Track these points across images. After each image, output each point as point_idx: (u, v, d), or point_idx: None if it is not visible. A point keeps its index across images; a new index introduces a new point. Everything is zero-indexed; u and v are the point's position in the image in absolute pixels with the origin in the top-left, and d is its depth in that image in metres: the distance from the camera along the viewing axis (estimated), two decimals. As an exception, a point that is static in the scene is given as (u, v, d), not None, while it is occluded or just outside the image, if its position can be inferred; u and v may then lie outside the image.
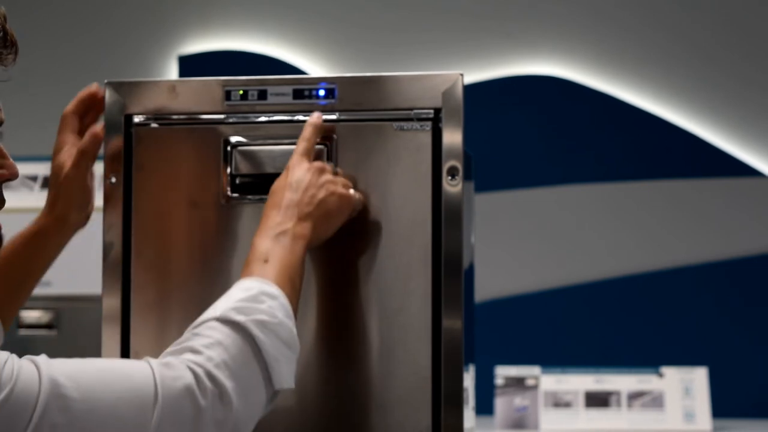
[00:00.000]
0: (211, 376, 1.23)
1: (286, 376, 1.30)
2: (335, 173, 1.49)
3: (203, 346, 1.25)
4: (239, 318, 1.28)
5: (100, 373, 1.18)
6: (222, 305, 1.31)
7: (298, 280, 1.38)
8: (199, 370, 1.23)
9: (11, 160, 1.29)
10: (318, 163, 1.47)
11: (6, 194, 1.30)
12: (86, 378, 1.16)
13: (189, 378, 1.22)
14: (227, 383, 1.24)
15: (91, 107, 1.59)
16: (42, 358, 1.17)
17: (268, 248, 1.38)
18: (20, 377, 1.12)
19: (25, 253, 1.56)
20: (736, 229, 3.77)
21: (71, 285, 2.93)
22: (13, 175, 1.28)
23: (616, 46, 3.89)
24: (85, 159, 1.55)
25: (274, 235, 1.39)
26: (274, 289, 1.33)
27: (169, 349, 1.28)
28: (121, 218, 1.56)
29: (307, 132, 1.49)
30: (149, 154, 1.57)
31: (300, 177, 1.44)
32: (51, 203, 1.57)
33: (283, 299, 1.33)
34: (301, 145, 1.48)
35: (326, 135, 1.51)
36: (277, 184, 1.45)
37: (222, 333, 1.27)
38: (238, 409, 1.24)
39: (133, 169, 1.57)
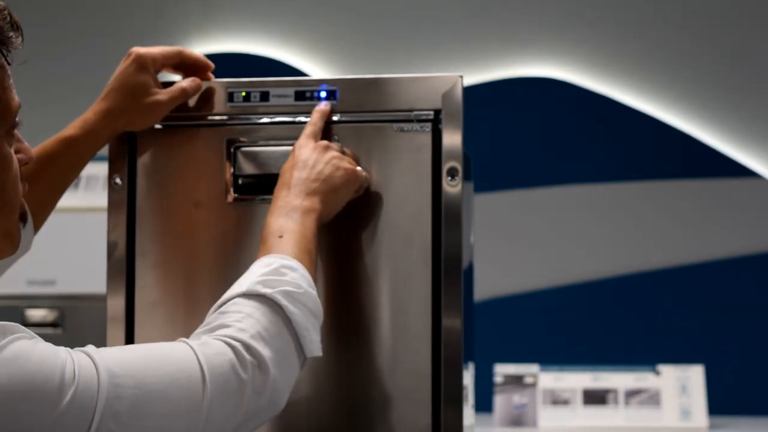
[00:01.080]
0: (248, 347, 1.25)
1: (315, 344, 1.33)
2: (342, 152, 1.51)
3: (235, 321, 1.27)
4: (266, 291, 1.31)
5: (147, 359, 1.19)
6: (246, 281, 1.33)
7: (314, 251, 1.41)
8: (237, 344, 1.25)
9: (26, 144, 1.30)
10: (323, 142, 1.50)
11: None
12: (137, 365, 1.18)
13: (229, 352, 1.24)
14: (264, 353, 1.26)
15: (187, 68, 1.60)
16: (92, 349, 1.19)
17: (282, 225, 1.40)
18: (81, 374, 1.14)
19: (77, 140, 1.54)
20: (731, 230, 3.78)
21: (76, 284, 2.94)
22: (30, 159, 1.29)
23: (614, 48, 3.90)
24: (180, 98, 1.55)
25: (286, 212, 1.42)
26: (293, 262, 1.35)
27: (198, 331, 1.29)
28: (126, 218, 1.57)
29: (314, 117, 1.52)
30: (153, 155, 1.58)
31: (306, 156, 1.47)
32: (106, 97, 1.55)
33: (303, 270, 1.36)
34: (308, 128, 1.51)
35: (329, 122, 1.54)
36: (286, 165, 1.48)
37: (251, 306, 1.29)
38: (276, 378, 1.27)
39: (138, 170, 1.58)
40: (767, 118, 3.82)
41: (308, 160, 1.47)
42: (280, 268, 1.34)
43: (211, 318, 1.31)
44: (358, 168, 1.50)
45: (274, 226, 1.41)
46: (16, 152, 1.25)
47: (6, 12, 1.21)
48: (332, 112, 1.54)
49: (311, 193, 1.44)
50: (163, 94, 1.55)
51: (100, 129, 1.53)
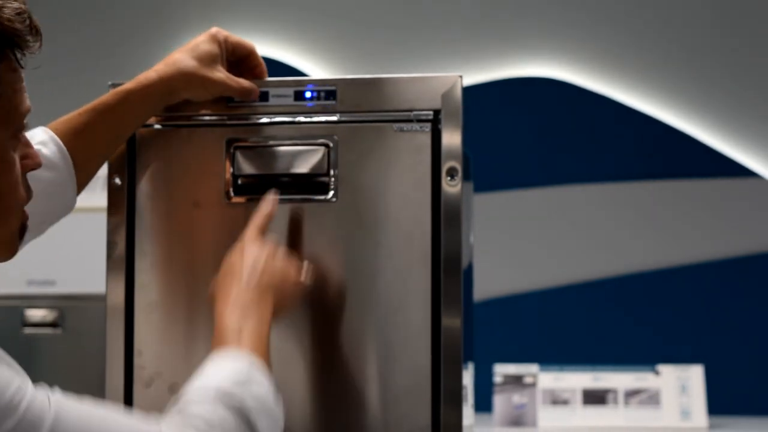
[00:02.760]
0: None
1: None
2: (284, 252, 1.48)
3: (204, 423, 1.24)
4: (235, 403, 1.27)
5: (104, 428, 1.18)
6: (215, 381, 1.29)
7: (268, 347, 1.38)
8: None
9: (35, 149, 1.28)
10: (270, 245, 1.46)
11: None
12: (92, 428, 1.16)
13: None
14: None
15: (244, 68, 1.59)
16: (58, 395, 1.17)
17: (239, 320, 1.36)
18: (29, 408, 1.12)
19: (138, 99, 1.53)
20: (731, 230, 3.78)
21: (76, 284, 2.94)
22: (38, 165, 1.27)
23: (614, 48, 3.90)
24: (235, 90, 1.55)
25: (241, 306, 1.38)
26: (260, 365, 1.33)
27: (169, 417, 1.26)
28: (125, 218, 1.58)
29: (264, 208, 1.49)
30: (153, 155, 1.58)
31: (255, 258, 1.43)
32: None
33: (268, 378, 1.33)
34: (258, 219, 1.48)
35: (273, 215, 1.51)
36: (234, 259, 1.44)
37: (218, 413, 1.26)
38: None
39: (137, 170, 1.58)
40: (767, 118, 3.82)
41: (257, 263, 1.42)
42: (250, 371, 1.30)
43: (179, 407, 1.27)
44: (303, 270, 1.48)
45: (231, 319, 1.36)
46: (24, 158, 1.24)
47: (26, 15, 1.20)
48: (330, 112, 1.54)
49: (265, 295, 1.40)
50: (223, 74, 1.54)
51: (155, 85, 1.52)
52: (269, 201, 1.50)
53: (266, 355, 1.35)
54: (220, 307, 1.39)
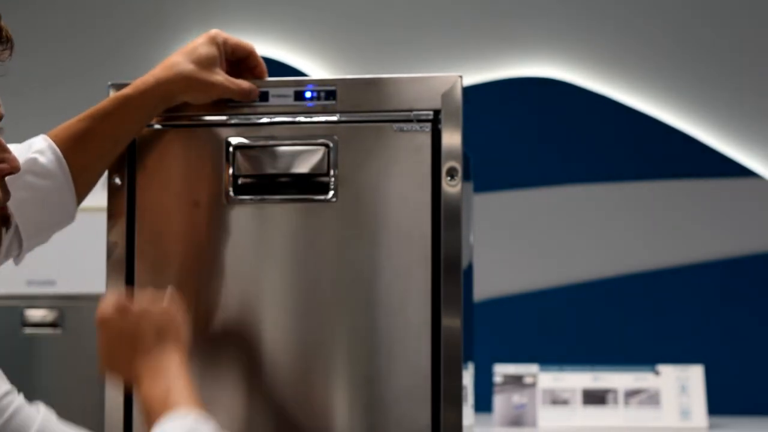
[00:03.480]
0: None
1: None
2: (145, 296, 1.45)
3: None
4: None
5: None
6: None
7: (196, 393, 1.37)
8: None
9: (13, 153, 1.29)
10: (121, 301, 1.42)
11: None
12: None
13: None
14: None
15: (244, 68, 1.59)
16: (46, 413, 1.18)
17: (160, 385, 1.35)
18: (14, 417, 1.14)
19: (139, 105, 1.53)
20: (731, 230, 3.78)
21: (75, 284, 2.95)
22: (15, 169, 1.28)
23: (614, 48, 3.90)
24: (235, 92, 1.54)
25: (153, 374, 1.36)
26: (199, 416, 1.32)
27: None
28: (125, 218, 1.58)
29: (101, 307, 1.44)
30: (152, 155, 1.58)
31: (123, 323, 1.39)
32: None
33: (210, 426, 1.32)
34: (105, 300, 1.43)
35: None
36: (112, 337, 1.40)
37: None
38: None
39: (137, 170, 1.58)
40: (767, 118, 3.83)
41: (128, 325, 1.39)
42: (197, 427, 1.29)
43: None
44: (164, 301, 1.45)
45: (153, 391, 1.34)
46: (0, 162, 1.24)
47: None
48: (330, 112, 1.54)
49: (155, 340, 1.38)
50: (222, 76, 1.54)
51: (154, 90, 1.52)
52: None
53: (197, 401, 1.33)
54: (136, 388, 1.36)
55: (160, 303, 1.42)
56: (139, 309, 1.40)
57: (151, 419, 1.32)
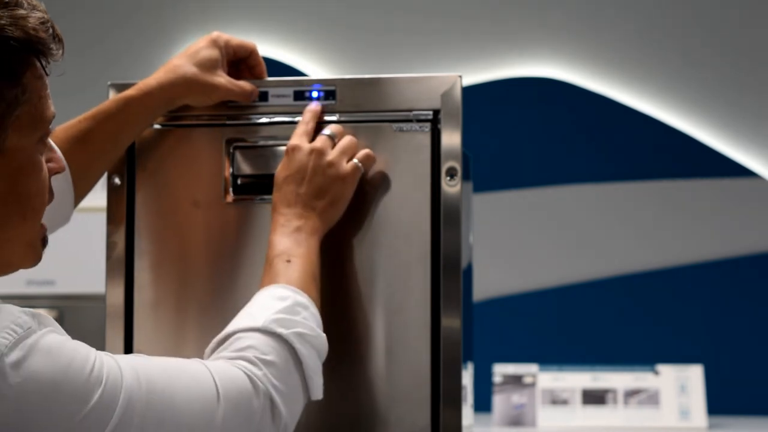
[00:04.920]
0: (263, 381, 1.29)
1: (319, 387, 1.38)
2: (334, 143, 1.51)
3: (252, 354, 1.31)
4: (281, 331, 1.34)
5: (166, 370, 1.22)
6: (261, 316, 1.35)
7: (318, 274, 1.44)
8: (254, 376, 1.29)
9: (59, 153, 1.31)
10: (318, 144, 1.49)
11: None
12: (155, 374, 1.21)
13: (245, 381, 1.28)
14: (277, 389, 1.30)
15: (245, 68, 1.60)
16: (115, 355, 1.21)
17: (288, 247, 1.43)
18: (109, 376, 1.16)
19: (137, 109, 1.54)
20: (730, 230, 3.78)
21: (75, 284, 2.95)
22: (62, 168, 1.29)
23: (614, 48, 3.90)
24: (237, 93, 1.55)
25: (289, 232, 1.44)
26: (305, 299, 1.39)
27: (213, 355, 1.33)
28: (125, 218, 1.58)
29: (306, 116, 1.53)
30: (152, 154, 1.58)
31: (302, 162, 1.48)
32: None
33: (314, 308, 1.40)
34: (301, 127, 1.51)
35: (321, 122, 1.54)
36: (281, 173, 1.48)
37: (267, 345, 1.33)
38: (284, 415, 1.31)
39: (137, 170, 1.58)
40: (767, 118, 3.83)
41: (304, 169, 1.47)
42: (295, 306, 1.37)
43: (230, 342, 1.33)
44: (355, 160, 1.50)
45: (279, 247, 1.43)
46: (47, 161, 1.25)
47: (49, 24, 1.23)
48: (323, 112, 1.54)
49: (315, 211, 1.46)
50: (224, 78, 1.55)
51: (156, 92, 1.53)
52: (312, 105, 1.53)
53: (315, 288, 1.42)
54: (272, 231, 1.44)
55: (348, 159, 1.50)
56: (323, 149, 1.48)
57: (265, 272, 1.42)
